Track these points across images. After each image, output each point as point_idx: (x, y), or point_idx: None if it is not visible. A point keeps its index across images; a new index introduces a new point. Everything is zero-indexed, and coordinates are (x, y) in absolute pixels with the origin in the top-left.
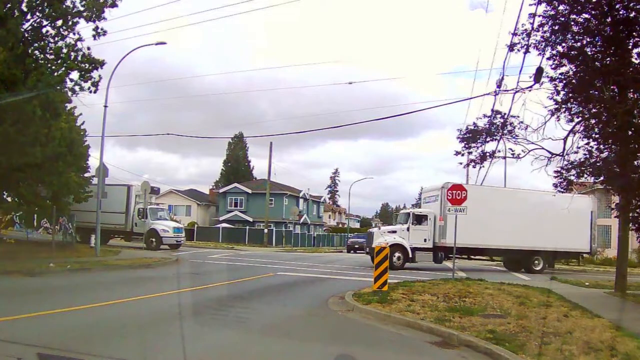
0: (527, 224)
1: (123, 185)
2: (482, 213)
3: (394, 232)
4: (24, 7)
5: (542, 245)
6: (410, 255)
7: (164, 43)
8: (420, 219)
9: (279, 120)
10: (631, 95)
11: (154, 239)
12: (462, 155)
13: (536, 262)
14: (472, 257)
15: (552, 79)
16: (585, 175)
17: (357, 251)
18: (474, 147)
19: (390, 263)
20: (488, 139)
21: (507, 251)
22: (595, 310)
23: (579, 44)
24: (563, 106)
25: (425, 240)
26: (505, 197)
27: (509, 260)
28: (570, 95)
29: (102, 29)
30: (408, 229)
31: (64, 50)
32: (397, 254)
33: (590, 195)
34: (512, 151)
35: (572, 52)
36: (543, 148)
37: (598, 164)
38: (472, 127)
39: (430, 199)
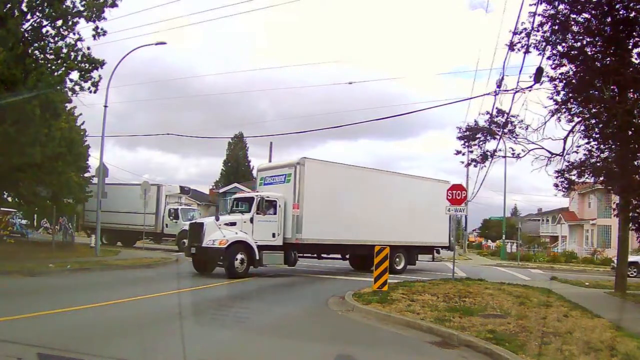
0: (388, 214)
1: (152, 185)
2: (336, 200)
3: (234, 223)
4: (24, 7)
5: (404, 239)
6: (257, 257)
7: (164, 43)
8: (268, 207)
9: (279, 120)
10: (631, 95)
11: (186, 240)
12: (463, 154)
13: (397, 259)
14: (324, 255)
15: (552, 79)
16: (586, 175)
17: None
18: (474, 145)
19: (231, 269)
20: (488, 138)
21: (361, 248)
22: (595, 310)
23: (579, 44)
24: (563, 106)
25: (274, 235)
26: (360, 179)
27: (360, 258)
28: (570, 95)
29: (102, 29)
30: (252, 219)
31: (64, 50)
32: (240, 256)
33: (448, 182)
34: (513, 151)
35: (572, 52)
36: (543, 148)
37: (598, 164)
38: (473, 125)
39: (275, 179)
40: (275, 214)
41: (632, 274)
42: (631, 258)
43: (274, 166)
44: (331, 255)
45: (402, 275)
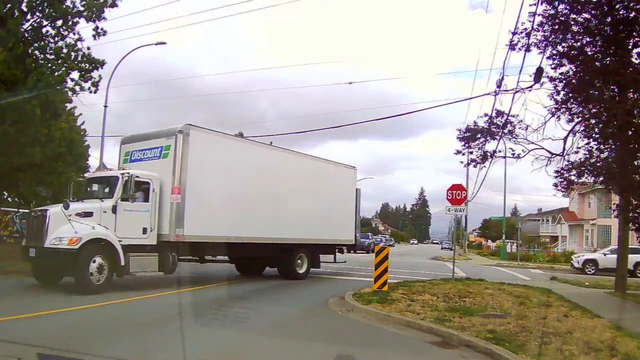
0: (292, 205)
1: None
2: (230, 184)
3: (89, 214)
4: (24, 7)
5: (308, 236)
6: (122, 262)
7: (164, 43)
8: (138, 191)
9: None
10: (631, 95)
11: None
12: (463, 154)
13: (299, 261)
14: (213, 258)
15: (552, 79)
16: (586, 175)
17: (357, 251)
18: (474, 146)
19: (84, 279)
20: (488, 138)
21: (260, 248)
22: (595, 310)
23: (579, 43)
24: (563, 106)
25: (145, 230)
26: (259, 158)
27: (249, 259)
28: (570, 95)
29: (102, 29)
30: (115, 208)
31: (64, 50)
32: (97, 260)
33: (354, 168)
34: (513, 151)
35: (572, 52)
36: (543, 148)
37: (598, 164)
38: (473, 126)
39: (146, 154)
40: (147, 201)
41: (589, 271)
42: (590, 256)
43: (145, 135)
44: (218, 258)
45: (402, 275)
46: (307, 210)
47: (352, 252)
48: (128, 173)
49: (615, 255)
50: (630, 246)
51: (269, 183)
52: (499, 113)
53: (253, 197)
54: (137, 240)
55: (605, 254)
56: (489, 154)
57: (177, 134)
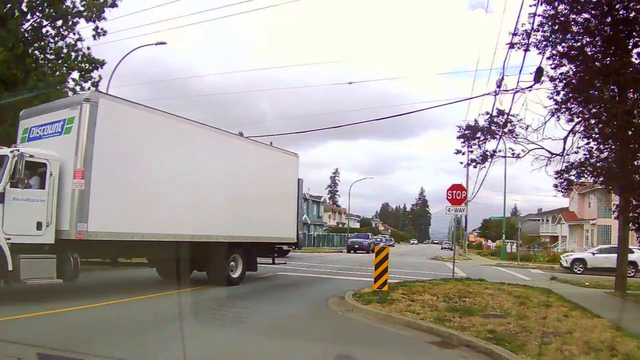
0: (224, 196)
1: None
2: (147, 168)
3: None
4: (24, 7)
5: (244, 233)
6: (9, 266)
7: (164, 43)
8: (32, 175)
9: (279, 120)
10: (631, 95)
11: None
12: (463, 154)
13: (233, 263)
14: (128, 260)
15: (552, 79)
16: (585, 176)
17: (358, 251)
18: (474, 145)
19: None
20: (488, 137)
21: (186, 247)
22: (595, 310)
23: (579, 44)
24: (563, 106)
25: (40, 226)
26: (183, 137)
27: (175, 262)
28: (570, 95)
29: (102, 29)
30: (2, 197)
31: (64, 50)
32: None
33: (296, 155)
34: (512, 151)
35: (572, 52)
36: (543, 148)
37: (598, 164)
38: (473, 124)
39: (46, 131)
40: (43, 187)
41: (578, 270)
42: (578, 255)
43: (46, 108)
44: (134, 260)
45: (402, 275)
46: (241, 203)
47: (293, 249)
48: (18, 152)
49: (604, 255)
50: (614, 245)
51: (197, 169)
52: (500, 112)
53: (177, 186)
54: (30, 239)
55: (594, 254)
56: (489, 153)
57: (82, 102)
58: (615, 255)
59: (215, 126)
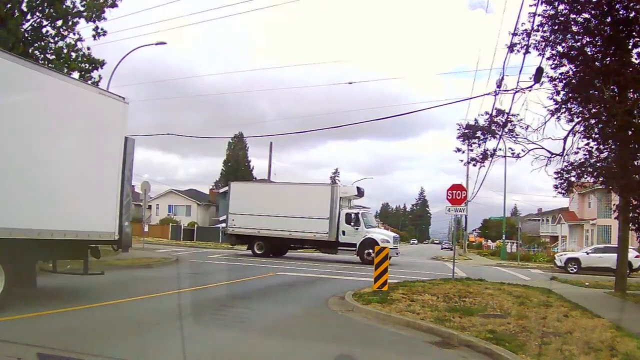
0: None
1: (324, 185)
2: None
3: None
4: (24, 7)
5: (10, 222)
6: None
7: (164, 43)
8: None
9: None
10: (631, 95)
11: (371, 251)
12: (462, 152)
13: None
14: None
15: (552, 79)
16: (586, 176)
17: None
18: (474, 144)
19: None
20: (488, 137)
21: None
22: (595, 310)
23: (579, 44)
24: (563, 106)
25: None
26: None
27: None
28: (570, 95)
29: (102, 29)
30: None
31: (64, 51)
32: None
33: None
34: (512, 150)
35: (572, 52)
36: (543, 148)
37: (598, 164)
38: (473, 124)
39: None
40: None
41: (572, 270)
42: (572, 254)
43: None
44: None
45: (402, 275)
46: (15, 172)
47: (117, 250)
48: None
49: (599, 255)
50: (609, 245)
51: None
52: (500, 112)
53: None
54: None
55: (588, 253)
56: (489, 152)
57: None
58: (610, 254)
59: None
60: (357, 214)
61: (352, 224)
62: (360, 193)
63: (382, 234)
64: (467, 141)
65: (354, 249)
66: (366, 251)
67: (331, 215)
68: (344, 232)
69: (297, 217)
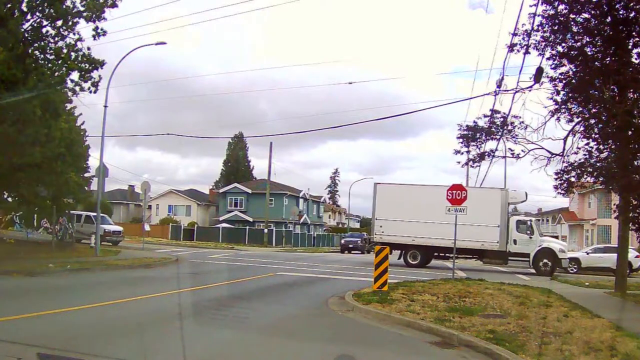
0: None
1: (493, 190)
2: None
3: None
4: (24, 7)
5: None
6: None
7: (164, 43)
8: None
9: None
10: (631, 95)
11: (548, 262)
12: (462, 154)
13: None
14: None
15: (552, 79)
16: (585, 176)
17: (352, 251)
18: (473, 145)
19: None
20: (488, 138)
21: None
22: (595, 310)
23: (578, 44)
24: (563, 106)
25: None
26: None
27: None
28: (570, 95)
29: (102, 29)
30: None
31: (64, 51)
32: None
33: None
34: (512, 151)
35: (572, 52)
36: (543, 148)
37: (598, 164)
38: (472, 125)
39: None
40: None
41: (571, 270)
42: (572, 254)
43: None
44: None
45: (402, 275)
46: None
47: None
48: None
49: (599, 255)
50: (608, 245)
51: None
52: (497, 112)
53: None
54: None
55: (588, 253)
56: (486, 153)
57: None
58: (610, 254)
59: None
60: (530, 222)
61: (527, 232)
62: (526, 198)
63: (559, 244)
64: (466, 143)
65: (527, 259)
66: (543, 261)
67: (502, 223)
68: (515, 241)
69: (460, 224)
